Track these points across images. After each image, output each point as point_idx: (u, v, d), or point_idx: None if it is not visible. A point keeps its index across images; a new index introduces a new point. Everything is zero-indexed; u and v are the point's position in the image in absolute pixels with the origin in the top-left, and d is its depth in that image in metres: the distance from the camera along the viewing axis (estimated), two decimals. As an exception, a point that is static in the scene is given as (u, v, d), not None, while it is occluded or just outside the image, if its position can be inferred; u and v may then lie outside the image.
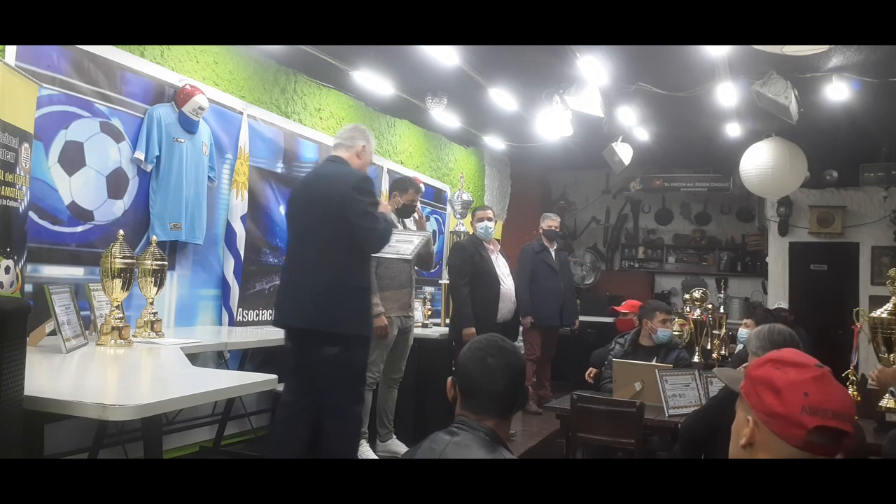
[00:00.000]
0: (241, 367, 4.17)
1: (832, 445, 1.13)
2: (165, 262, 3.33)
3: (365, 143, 3.24)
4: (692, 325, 4.75)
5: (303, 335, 3.02)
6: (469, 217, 5.58)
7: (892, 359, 2.99)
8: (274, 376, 2.40)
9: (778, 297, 7.51)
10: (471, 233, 5.18)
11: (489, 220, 4.90)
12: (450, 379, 1.69)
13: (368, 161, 3.27)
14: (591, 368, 4.15)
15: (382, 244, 3.06)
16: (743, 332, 4.53)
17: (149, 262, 3.23)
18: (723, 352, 4.77)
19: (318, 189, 3.10)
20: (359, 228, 2.94)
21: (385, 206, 3.40)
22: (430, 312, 5.31)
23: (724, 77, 4.68)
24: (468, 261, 4.67)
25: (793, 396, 1.16)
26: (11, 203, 2.58)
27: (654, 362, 3.63)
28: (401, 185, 4.32)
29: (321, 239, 3.00)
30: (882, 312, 3.04)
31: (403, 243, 3.84)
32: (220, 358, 4.04)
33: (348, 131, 3.29)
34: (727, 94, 4.94)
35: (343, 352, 2.95)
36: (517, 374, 1.64)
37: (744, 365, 2.23)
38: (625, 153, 6.31)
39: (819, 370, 1.19)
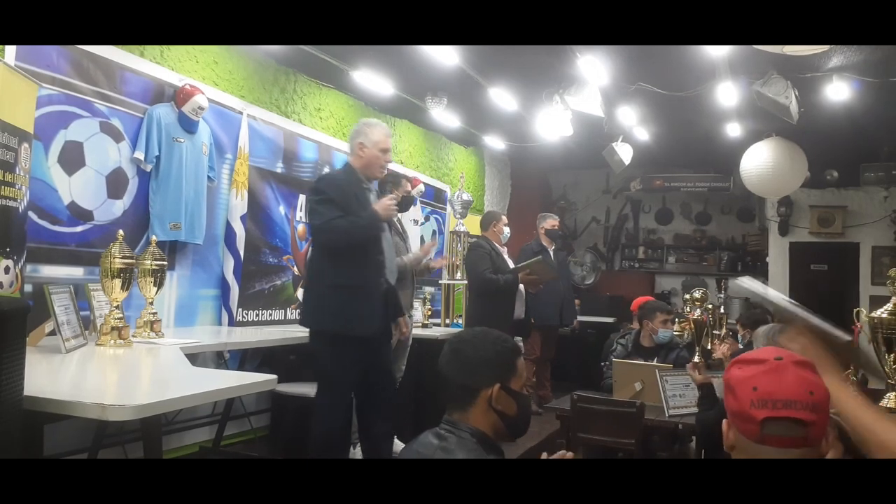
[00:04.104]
0: (240, 368, 4.17)
1: (790, 436, 1.11)
2: (165, 262, 3.33)
3: (362, 140, 3.17)
4: (692, 326, 4.74)
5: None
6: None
7: (892, 359, 2.98)
8: (273, 376, 2.39)
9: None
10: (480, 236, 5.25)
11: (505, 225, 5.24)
12: None
13: (373, 155, 3.15)
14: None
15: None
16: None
17: (148, 262, 3.23)
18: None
19: None
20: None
21: (386, 204, 3.13)
22: (430, 312, 5.31)
23: (724, 77, 4.68)
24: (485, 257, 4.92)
25: (743, 392, 1.15)
26: (11, 203, 2.58)
27: (654, 362, 3.63)
28: (392, 177, 4.19)
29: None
30: (882, 312, 3.03)
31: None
32: (220, 358, 4.04)
33: (350, 135, 3.29)
34: (727, 94, 4.94)
35: (311, 345, 3.24)
36: (463, 360, 1.59)
37: None
38: (625, 153, 6.31)
39: (775, 363, 1.15)
